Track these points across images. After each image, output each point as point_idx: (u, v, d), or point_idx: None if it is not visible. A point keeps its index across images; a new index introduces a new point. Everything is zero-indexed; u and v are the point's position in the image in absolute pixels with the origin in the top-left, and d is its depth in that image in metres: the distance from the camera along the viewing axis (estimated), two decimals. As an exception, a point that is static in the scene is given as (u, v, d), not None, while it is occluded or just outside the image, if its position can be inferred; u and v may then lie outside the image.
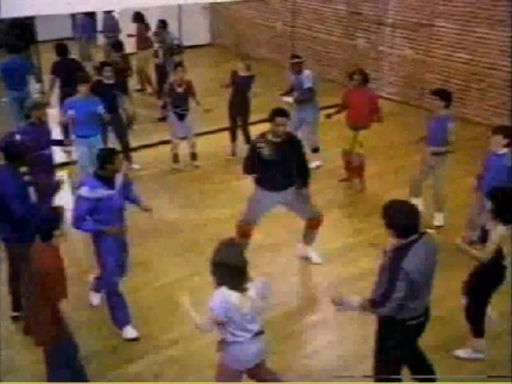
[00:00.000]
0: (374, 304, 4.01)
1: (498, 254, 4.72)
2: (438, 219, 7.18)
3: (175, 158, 8.84)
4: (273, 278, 6.23)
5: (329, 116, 8.23)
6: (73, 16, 13.42)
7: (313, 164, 8.74)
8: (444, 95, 6.86)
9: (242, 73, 8.88)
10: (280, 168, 5.93)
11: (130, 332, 5.42)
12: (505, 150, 5.87)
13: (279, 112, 5.89)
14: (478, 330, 5.07)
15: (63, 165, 8.67)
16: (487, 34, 10.21)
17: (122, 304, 5.40)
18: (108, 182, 5.17)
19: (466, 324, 5.12)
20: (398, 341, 4.14)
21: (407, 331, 4.09)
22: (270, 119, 5.87)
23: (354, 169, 8.14)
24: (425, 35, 11.25)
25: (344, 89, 8.80)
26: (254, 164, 5.99)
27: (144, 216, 7.44)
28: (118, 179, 5.27)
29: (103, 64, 8.70)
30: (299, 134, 8.62)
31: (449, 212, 7.27)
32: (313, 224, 6.43)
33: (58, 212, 4.33)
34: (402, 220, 3.92)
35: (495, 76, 10.23)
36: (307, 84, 8.48)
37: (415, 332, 4.18)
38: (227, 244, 3.99)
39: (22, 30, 9.88)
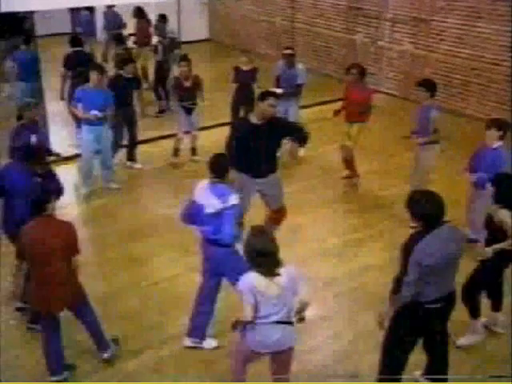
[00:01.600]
0: (393, 291, 4.18)
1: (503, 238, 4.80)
2: None
3: (175, 152, 8.82)
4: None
5: (336, 113, 8.12)
6: (72, 11, 13.40)
7: (301, 151, 8.76)
8: (429, 85, 6.86)
9: (245, 67, 8.89)
10: (262, 152, 5.87)
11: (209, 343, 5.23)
12: (499, 143, 5.91)
13: (272, 93, 5.92)
14: (473, 310, 5.12)
15: (69, 158, 8.61)
16: (487, 29, 10.18)
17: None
18: None
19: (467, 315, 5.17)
20: (408, 322, 4.22)
21: (418, 315, 4.15)
22: (263, 99, 5.77)
23: (346, 163, 8.13)
24: (424, 30, 11.24)
25: (343, 84, 8.78)
26: (236, 149, 5.86)
27: (142, 211, 7.52)
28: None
29: (126, 60, 8.67)
30: None
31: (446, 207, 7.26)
32: (277, 216, 6.36)
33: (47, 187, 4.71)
34: (427, 210, 4.04)
35: (496, 71, 10.21)
36: (301, 79, 8.57)
37: (427, 317, 4.19)
38: (255, 230, 4.07)
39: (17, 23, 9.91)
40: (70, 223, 4.67)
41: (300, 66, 8.64)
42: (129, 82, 8.25)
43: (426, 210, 4.04)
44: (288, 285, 3.99)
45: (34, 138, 5.87)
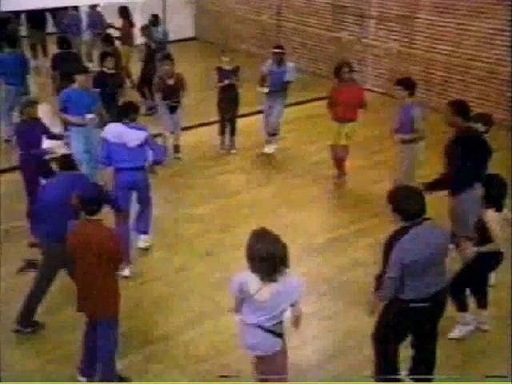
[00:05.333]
0: (376, 287, 4.20)
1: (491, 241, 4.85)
2: None
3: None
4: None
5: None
6: (54, 11, 13.29)
7: (271, 148, 8.90)
8: (407, 84, 6.85)
9: (227, 66, 8.87)
10: None
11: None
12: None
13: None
14: (460, 304, 5.18)
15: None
16: (471, 26, 10.27)
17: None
18: None
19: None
20: (393, 320, 4.22)
21: (405, 312, 4.15)
22: None
23: (336, 161, 8.15)
24: (408, 28, 11.31)
25: (330, 82, 8.82)
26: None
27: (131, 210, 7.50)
28: None
29: (104, 54, 8.68)
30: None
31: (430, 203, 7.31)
32: None
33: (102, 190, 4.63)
34: (407, 205, 4.06)
35: (480, 68, 10.31)
36: (290, 77, 8.60)
37: (416, 316, 4.19)
38: (257, 234, 3.97)
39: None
40: (115, 231, 4.58)
41: (290, 64, 8.69)
42: (111, 78, 8.22)
43: (406, 204, 4.07)
44: (282, 293, 3.89)
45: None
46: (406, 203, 4.08)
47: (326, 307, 5.76)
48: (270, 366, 4.15)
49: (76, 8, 12.51)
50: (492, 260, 5.05)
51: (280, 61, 8.59)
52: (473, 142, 5.66)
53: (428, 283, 4.13)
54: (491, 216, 4.82)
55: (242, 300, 3.98)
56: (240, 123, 9.24)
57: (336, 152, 8.10)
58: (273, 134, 8.91)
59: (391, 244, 4.05)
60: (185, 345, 5.26)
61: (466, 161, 5.49)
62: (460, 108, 5.89)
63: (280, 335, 4.06)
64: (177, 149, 8.90)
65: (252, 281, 3.89)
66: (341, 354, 5.05)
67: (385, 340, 4.34)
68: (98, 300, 4.49)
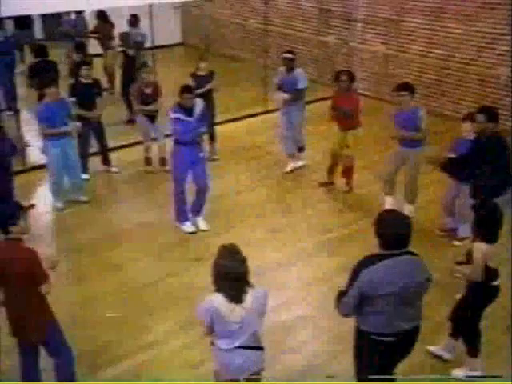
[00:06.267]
0: (335, 300, 3.99)
1: (486, 275, 4.56)
2: (409, 211, 7.10)
3: (148, 161, 8.63)
4: (255, 273, 6.21)
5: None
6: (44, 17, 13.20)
7: (298, 163, 8.71)
8: (410, 88, 6.88)
9: (201, 72, 8.64)
10: None
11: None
12: (473, 135, 6.08)
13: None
14: (472, 350, 4.87)
15: (41, 167, 8.41)
16: (457, 29, 10.36)
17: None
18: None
19: (446, 321, 5.05)
20: (365, 352, 4.03)
21: (373, 345, 3.93)
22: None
23: (342, 170, 8.06)
24: (395, 31, 11.37)
25: (317, 86, 8.80)
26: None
27: (117, 219, 7.42)
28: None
29: (80, 63, 8.56)
30: (288, 133, 8.49)
31: (421, 205, 7.34)
32: None
33: (23, 209, 4.29)
34: (389, 232, 3.78)
35: (466, 71, 10.38)
36: (301, 84, 8.26)
37: (384, 350, 3.94)
38: (226, 250, 3.80)
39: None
40: (33, 250, 4.25)
41: (299, 70, 8.33)
42: (88, 87, 8.09)
43: (388, 231, 3.77)
44: (254, 307, 3.78)
45: None
46: (389, 230, 3.76)
47: (325, 307, 5.70)
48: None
49: (69, 14, 12.41)
50: (484, 295, 4.71)
51: (290, 67, 8.25)
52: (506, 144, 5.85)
53: (397, 319, 3.84)
54: (481, 249, 4.48)
55: (212, 326, 3.81)
56: (236, 125, 9.19)
57: (336, 160, 8.02)
58: (300, 148, 8.70)
59: (359, 269, 3.78)
60: (179, 349, 5.20)
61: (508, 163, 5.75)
62: (493, 115, 5.88)
63: (262, 348, 3.95)
64: (163, 162, 8.55)
65: (221, 304, 3.71)
66: (340, 354, 5.00)
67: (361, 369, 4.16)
68: (30, 323, 4.34)
